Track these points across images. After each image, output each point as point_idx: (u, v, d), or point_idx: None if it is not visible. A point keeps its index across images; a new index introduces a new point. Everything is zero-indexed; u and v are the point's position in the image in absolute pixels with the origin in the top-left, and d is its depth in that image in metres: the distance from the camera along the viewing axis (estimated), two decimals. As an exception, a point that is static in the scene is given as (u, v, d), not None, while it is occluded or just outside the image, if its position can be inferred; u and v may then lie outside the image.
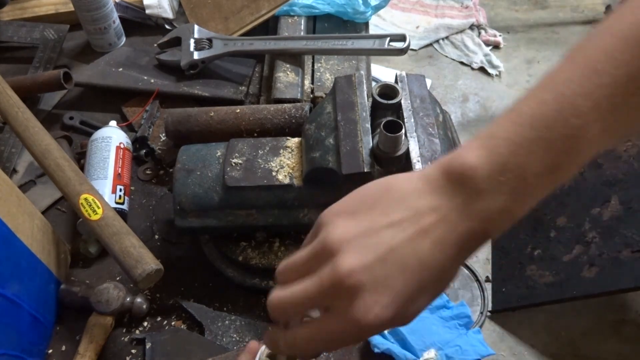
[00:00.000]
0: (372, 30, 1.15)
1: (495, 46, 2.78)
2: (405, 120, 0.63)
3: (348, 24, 1.10)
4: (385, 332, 0.66)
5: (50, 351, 0.71)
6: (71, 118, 0.97)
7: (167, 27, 1.13)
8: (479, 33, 2.83)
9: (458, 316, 0.79)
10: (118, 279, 0.77)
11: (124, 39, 1.10)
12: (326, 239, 0.36)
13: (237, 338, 0.71)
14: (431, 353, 0.70)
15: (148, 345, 0.70)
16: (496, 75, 2.64)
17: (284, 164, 0.69)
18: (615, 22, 0.34)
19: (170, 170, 0.90)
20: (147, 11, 1.10)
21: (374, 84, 0.72)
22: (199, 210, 0.69)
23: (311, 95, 0.96)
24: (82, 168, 0.84)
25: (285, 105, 0.84)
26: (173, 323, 0.74)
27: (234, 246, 0.73)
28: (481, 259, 1.66)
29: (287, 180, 0.67)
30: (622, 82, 0.32)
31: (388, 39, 0.93)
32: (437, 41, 2.78)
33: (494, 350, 0.78)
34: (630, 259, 1.37)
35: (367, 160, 0.61)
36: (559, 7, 3.01)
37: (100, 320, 0.70)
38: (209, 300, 0.76)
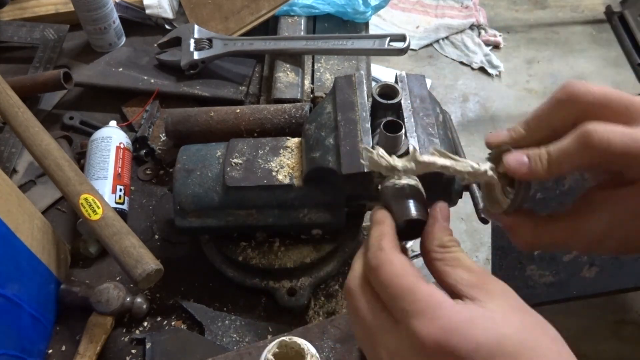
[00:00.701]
0: (372, 30, 1.15)
1: (495, 46, 2.78)
2: (405, 120, 0.63)
3: (348, 24, 1.10)
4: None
5: (50, 351, 0.71)
6: (71, 118, 0.97)
7: (167, 27, 1.13)
8: (479, 33, 2.83)
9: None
10: (118, 279, 0.77)
11: (124, 39, 1.10)
12: None
13: (237, 338, 0.71)
14: None
15: (148, 345, 0.70)
16: (496, 75, 2.65)
17: (284, 164, 0.69)
18: None
19: (170, 170, 0.90)
20: (147, 11, 1.11)
21: (374, 84, 0.72)
22: (199, 210, 0.69)
23: (311, 95, 0.96)
24: (82, 168, 0.84)
25: (285, 105, 0.84)
26: (173, 323, 0.74)
27: (234, 246, 0.73)
28: (481, 259, 1.66)
29: (287, 180, 0.67)
30: None
31: (388, 39, 0.93)
32: (437, 41, 2.78)
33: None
34: (630, 259, 1.37)
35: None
36: (559, 7, 3.01)
37: (100, 320, 0.70)
38: (209, 300, 0.76)
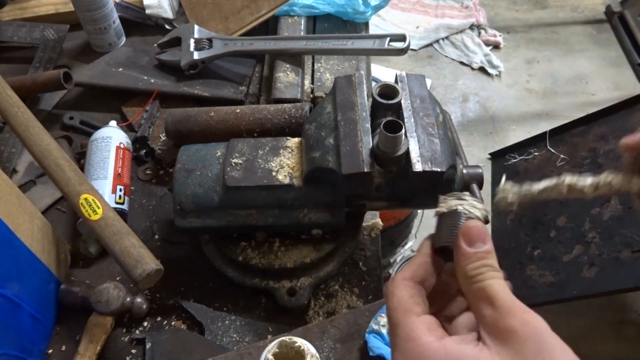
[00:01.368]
0: (372, 30, 1.15)
1: (495, 46, 2.78)
2: (405, 120, 0.63)
3: (348, 24, 1.10)
4: (384, 334, 0.65)
5: (50, 351, 0.71)
6: (71, 118, 0.97)
7: (167, 27, 1.13)
8: (479, 33, 2.83)
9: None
10: (118, 279, 0.77)
11: (124, 39, 1.10)
12: None
13: (237, 338, 0.72)
14: None
15: (148, 345, 0.70)
16: (496, 75, 2.65)
17: (284, 164, 0.69)
18: None
19: (170, 170, 0.90)
20: (147, 11, 1.11)
21: (374, 84, 0.72)
22: (199, 210, 0.69)
23: (311, 95, 0.96)
24: (82, 168, 0.84)
25: (285, 105, 0.84)
26: (173, 323, 0.74)
27: (234, 246, 0.73)
28: (481, 259, 1.66)
29: (287, 180, 0.67)
30: None
31: (388, 39, 0.93)
32: (437, 41, 2.78)
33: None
34: (630, 259, 1.37)
35: (367, 160, 0.61)
36: (559, 7, 3.01)
37: (100, 320, 0.70)
38: (209, 300, 0.76)
